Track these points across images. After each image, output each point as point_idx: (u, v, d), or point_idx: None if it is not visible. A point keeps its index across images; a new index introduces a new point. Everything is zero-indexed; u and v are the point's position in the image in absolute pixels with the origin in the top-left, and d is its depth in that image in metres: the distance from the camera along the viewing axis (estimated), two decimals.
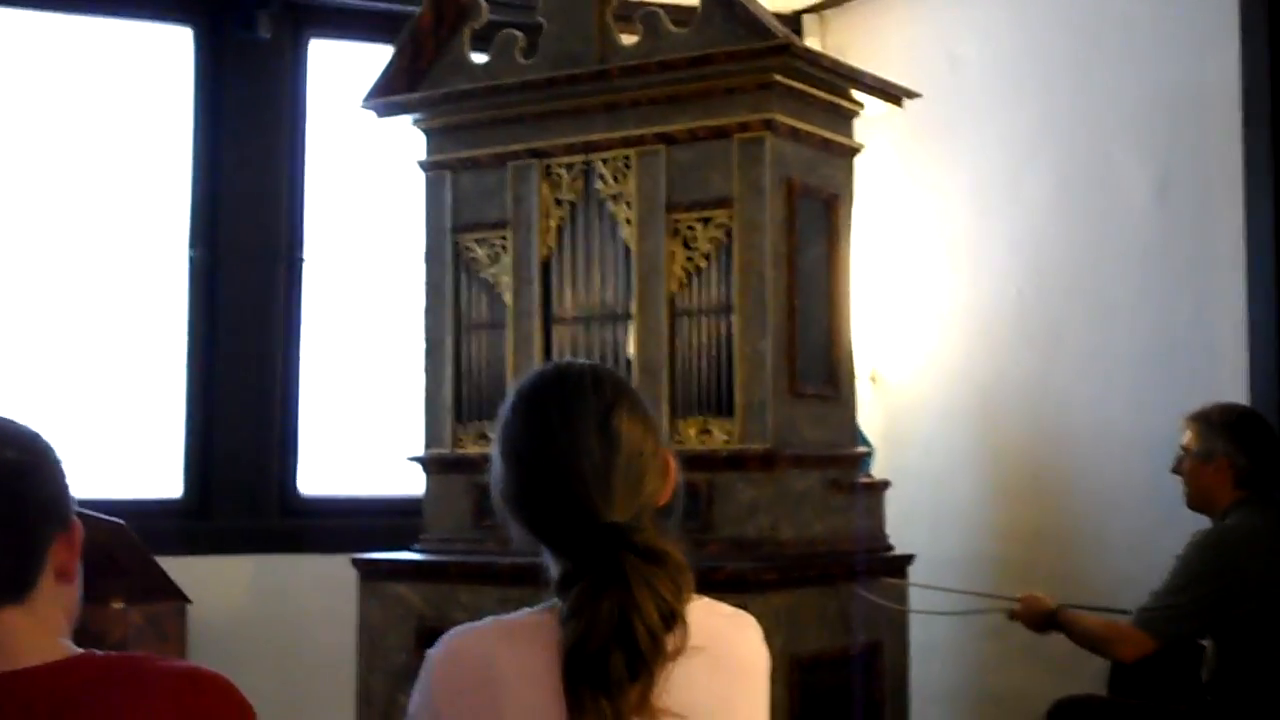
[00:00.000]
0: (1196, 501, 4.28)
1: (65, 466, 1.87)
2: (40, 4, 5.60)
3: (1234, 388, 4.59)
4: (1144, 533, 4.83)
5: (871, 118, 4.89)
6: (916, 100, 4.91)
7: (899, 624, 4.73)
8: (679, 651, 1.88)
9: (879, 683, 4.60)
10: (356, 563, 4.77)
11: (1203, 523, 4.26)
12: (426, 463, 4.86)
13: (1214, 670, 4.17)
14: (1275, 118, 4.60)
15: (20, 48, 5.56)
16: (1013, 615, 4.46)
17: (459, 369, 4.83)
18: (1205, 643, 4.21)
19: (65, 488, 1.87)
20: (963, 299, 5.66)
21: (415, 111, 4.88)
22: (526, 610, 1.95)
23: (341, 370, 5.96)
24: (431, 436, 4.87)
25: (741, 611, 2.05)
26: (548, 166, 4.68)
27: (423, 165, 4.92)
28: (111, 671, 1.79)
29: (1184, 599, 4.09)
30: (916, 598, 4.82)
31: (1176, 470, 4.31)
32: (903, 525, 4.96)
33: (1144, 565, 4.55)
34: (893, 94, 4.80)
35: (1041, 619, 4.36)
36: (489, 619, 1.96)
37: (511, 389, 2.06)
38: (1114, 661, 4.31)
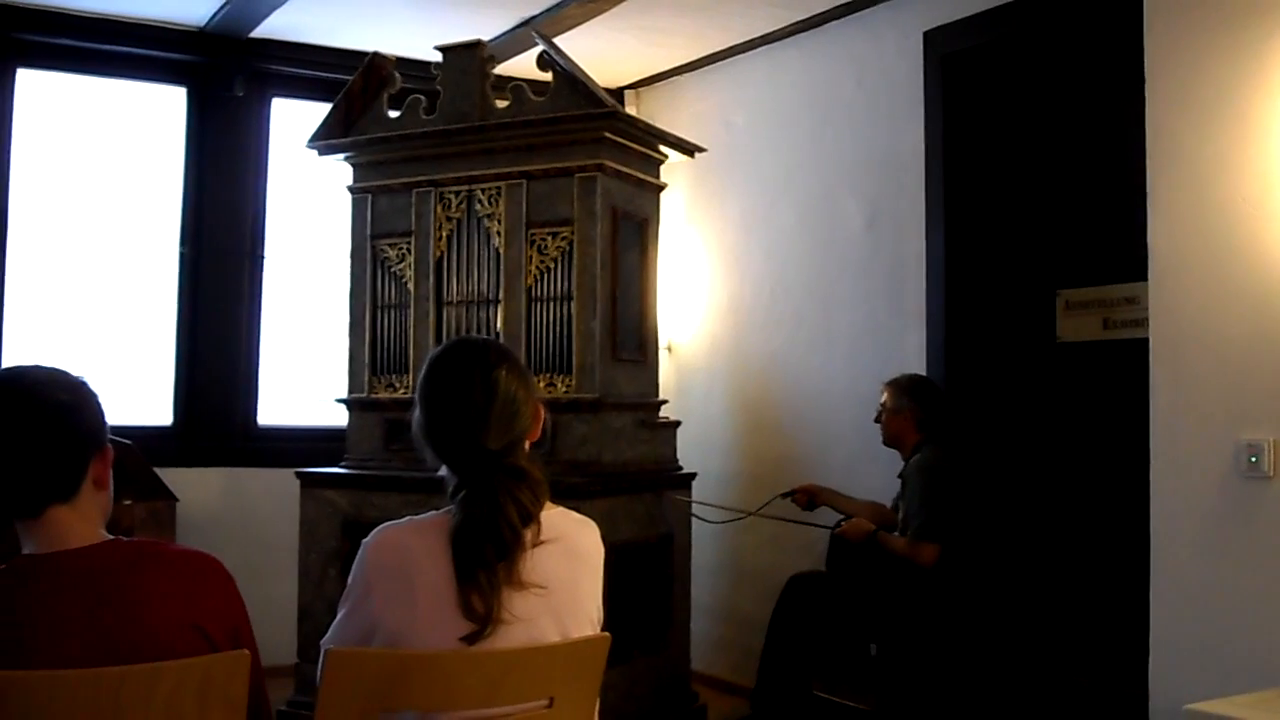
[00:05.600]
0: (889, 441, 4.42)
1: (101, 404, 1.87)
2: (67, 68, 5.41)
3: (915, 360, 4.73)
4: (851, 459, 4.99)
5: (673, 164, 4.94)
6: (703, 153, 5.00)
7: (685, 521, 4.82)
8: (536, 542, 1.91)
9: (671, 562, 4.69)
10: (299, 475, 4.74)
11: (894, 455, 4.39)
12: (350, 403, 4.84)
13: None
14: (946, 174, 4.73)
15: (54, 103, 5.39)
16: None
17: (374, 337, 4.80)
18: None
19: (103, 420, 1.84)
20: (732, 293, 5.70)
21: (346, 151, 4.83)
22: (432, 513, 1.96)
23: (294, 337, 5.82)
24: (354, 385, 4.84)
25: (587, 518, 2.09)
26: (441, 193, 4.67)
27: (351, 190, 4.89)
28: (137, 551, 1.80)
29: (936, 507, 4.12)
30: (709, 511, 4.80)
31: (877, 419, 4.44)
32: (688, 452, 5.01)
33: (852, 480, 4.78)
34: (687, 148, 4.87)
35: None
36: (406, 518, 1.95)
37: (427, 356, 2.10)
38: (920, 566, 4.07)
